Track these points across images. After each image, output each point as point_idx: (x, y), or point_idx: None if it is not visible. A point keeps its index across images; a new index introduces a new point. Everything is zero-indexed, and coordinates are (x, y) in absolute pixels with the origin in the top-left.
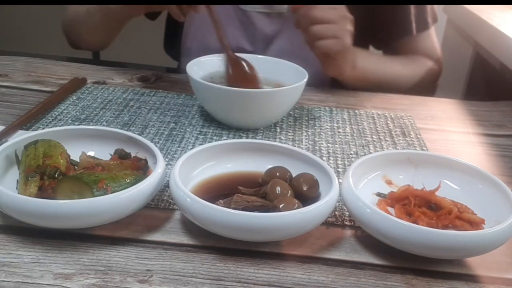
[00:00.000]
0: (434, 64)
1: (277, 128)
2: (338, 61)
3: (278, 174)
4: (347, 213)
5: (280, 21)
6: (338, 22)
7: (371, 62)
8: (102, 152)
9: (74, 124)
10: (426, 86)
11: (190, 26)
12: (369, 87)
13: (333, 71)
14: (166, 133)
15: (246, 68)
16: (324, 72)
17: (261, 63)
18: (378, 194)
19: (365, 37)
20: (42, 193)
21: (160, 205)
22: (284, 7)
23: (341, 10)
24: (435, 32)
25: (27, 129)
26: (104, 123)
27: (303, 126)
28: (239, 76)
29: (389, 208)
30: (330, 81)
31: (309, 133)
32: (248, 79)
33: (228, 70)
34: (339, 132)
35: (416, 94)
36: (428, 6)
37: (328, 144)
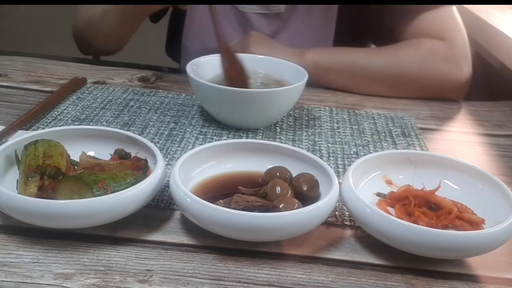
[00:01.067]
0: (441, 43)
1: (277, 128)
2: None
3: (278, 174)
4: (347, 213)
5: (278, 21)
6: None
7: (323, 53)
8: (102, 152)
9: (74, 124)
10: (435, 72)
11: (190, 26)
12: (336, 80)
13: None
14: (166, 133)
15: (242, 69)
16: None
17: (261, 63)
18: (378, 194)
19: (358, 33)
20: (42, 193)
21: (160, 205)
22: (281, 8)
23: None
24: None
25: (27, 129)
26: (104, 123)
27: (303, 126)
28: (236, 70)
29: (389, 208)
30: None
31: (309, 133)
32: (243, 75)
33: (226, 64)
34: (339, 132)
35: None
36: None
37: (328, 144)
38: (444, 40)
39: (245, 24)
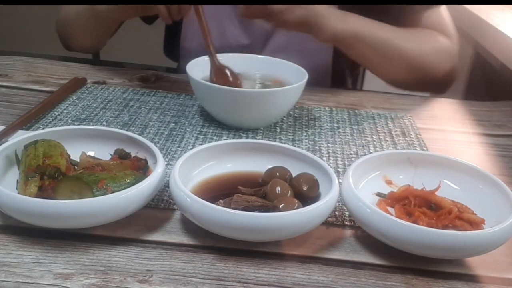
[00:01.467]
0: (447, 39)
1: (277, 128)
2: (310, 25)
3: (278, 174)
4: (347, 213)
5: None
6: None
7: (365, 23)
8: (102, 152)
9: (74, 124)
10: (441, 68)
11: (188, 26)
12: (367, 55)
13: (314, 35)
14: (166, 133)
15: (230, 77)
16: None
17: (261, 63)
18: (378, 194)
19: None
20: (42, 193)
21: (160, 205)
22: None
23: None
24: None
25: (27, 129)
26: (104, 123)
27: (303, 126)
28: (222, 75)
29: (389, 208)
30: (330, 77)
31: (309, 133)
32: (230, 79)
33: (212, 77)
34: (339, 132)
35: (431, 89)
36: None
37: (328, 144)
38: (449, 37)
39: (246, 21)
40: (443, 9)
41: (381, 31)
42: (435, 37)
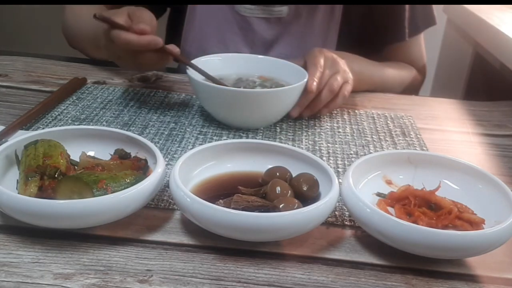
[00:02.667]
0: (418, 74)
1: (277, 128)
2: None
3: (278, 174)
4: (347, 213)
5: (280, 26)
6: (334, 72)
7: (367, 66)
8: (102, 152)
9: (74, 124)
10: (408, 93)
11: (189, 30)
12: (362, 90)
13: None
14: (166, 133)
15: None
16: None
17: (261, 63)
18: (378, 194)
19: (358, 42)
20: (42, 193)
21: (160, 205)
22: (283, 12)
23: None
24: (435, 31)
25: (27, 129)
26: (104, 123)
27: (303, 126)
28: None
29: (389, 208)
30: None
31: (309, 133)
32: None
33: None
34: (339, 132)
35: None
36: (421, 10)
37: (328, 144)
38: (420, 65)
39: (246, 29)
40: (421, 37)
41: (378, 70)
42: (411, 71)
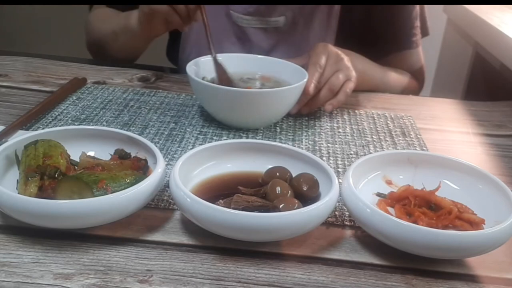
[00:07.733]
0: (417, 82)
1: (277, 128)
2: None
3: (278, 174)
4: (347, 213)
5: (277, 35)
6: (336, 70)
7: (369, 66)
8: (102, 152)
9: (74, 124)
10: (412, 92)
11: (187, 40)
12: (363, 90)
13: None
14: (166, 133)
15: (231, 79)
16: None
17: (261, 63)
18: (378, 194)
19: (356, 51)
20: (42, 193)
21: (160, 205)
22: (280, 22)
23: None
24: (435, 32)
25: (27, 129)
26: (104, 123)
27: (303, 126)
28: (225, 81)
29: (389, 208)
30: None
31: (309, 133)
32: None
33: (218, 74)
34: (339, 132)
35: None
36: (420, 21)
37: (328, 144)
38: (421, 77)
39: (244, 39)
40: (420, 49)
41: (380, 72)
42: (411, 80)
